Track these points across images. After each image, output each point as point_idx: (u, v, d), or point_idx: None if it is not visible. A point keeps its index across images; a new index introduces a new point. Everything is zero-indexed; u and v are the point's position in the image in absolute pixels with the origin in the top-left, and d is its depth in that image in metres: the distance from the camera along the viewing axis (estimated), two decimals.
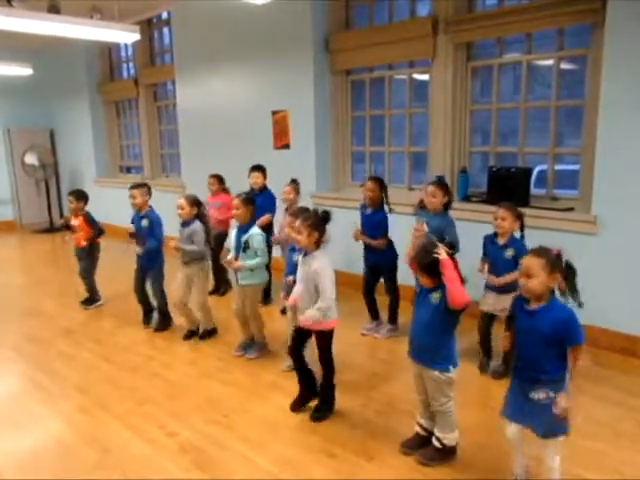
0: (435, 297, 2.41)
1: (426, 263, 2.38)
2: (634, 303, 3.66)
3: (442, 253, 2.31)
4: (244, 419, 3.00)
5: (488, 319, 3.46)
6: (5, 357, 4.00)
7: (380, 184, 4.01)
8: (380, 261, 4.10)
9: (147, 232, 4.29)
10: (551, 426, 2.12)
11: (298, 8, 5.39)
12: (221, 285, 5.36)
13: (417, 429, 2.66)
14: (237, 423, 2.95)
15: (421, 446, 2.60)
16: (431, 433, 2.60)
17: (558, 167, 4.40)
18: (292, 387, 3.14)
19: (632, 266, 3.63)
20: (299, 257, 3.01)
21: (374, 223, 4.03)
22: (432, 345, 2.45)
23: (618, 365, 3.59)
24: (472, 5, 4.56)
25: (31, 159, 9.38)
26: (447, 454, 2.56)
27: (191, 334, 4.22)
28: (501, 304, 3.22)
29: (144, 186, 4.38)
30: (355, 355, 3.86)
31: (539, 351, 2.11)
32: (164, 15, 7.57)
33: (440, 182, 3.72)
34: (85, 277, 5.02)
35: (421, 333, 2.49)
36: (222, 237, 4.94)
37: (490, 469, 2.48)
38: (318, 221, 2.87)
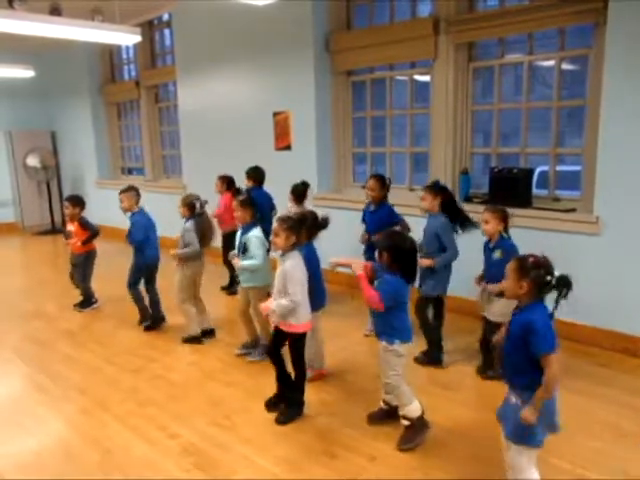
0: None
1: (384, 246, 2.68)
2: (636, 303, 3.65)
3: (357, 270, 2.67)
4: (246, 420, 3.00)
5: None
6: (7, 358, 4.00)
7: (382, 182, 4.01)
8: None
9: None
10: (517, 432, 2.07)
11: (299, 9, 5.39)
12: (234, 283, 5.31)
13: (381, 404, 2.93)
14: (239, 424, 2.95)
15: (385, 418, 2.89)
16: (393, 407, 2.84)
17: (560, 168, 4.39)
18: None
19: (634, 266, 3.62)
20: (277, 257, 3.03)
21: (380, 219, 3.98)
22: (380, 320, 2.71)
23: (620, 365, 3.59)
24: (473, 5, 4.55)
25: (33, 161, 9.41)
26: (419, 428, 2.66)
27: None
28: (493, 309, 3.23)
29: (131, 189, 4.47)
30: (358, 355, 3.86)
31: (511, 354, 2.09)
32: (165, 17, 7.58)
33: (428, 186, 3.72)
34: (79, 284, 5.02)
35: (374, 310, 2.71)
36: (232, 236, 4.92)
37: (492, 468, 2.47)
38: (295, 224, 2.93)
